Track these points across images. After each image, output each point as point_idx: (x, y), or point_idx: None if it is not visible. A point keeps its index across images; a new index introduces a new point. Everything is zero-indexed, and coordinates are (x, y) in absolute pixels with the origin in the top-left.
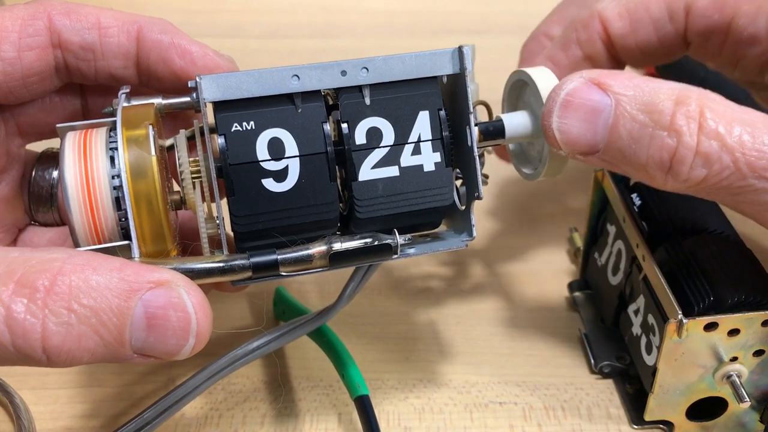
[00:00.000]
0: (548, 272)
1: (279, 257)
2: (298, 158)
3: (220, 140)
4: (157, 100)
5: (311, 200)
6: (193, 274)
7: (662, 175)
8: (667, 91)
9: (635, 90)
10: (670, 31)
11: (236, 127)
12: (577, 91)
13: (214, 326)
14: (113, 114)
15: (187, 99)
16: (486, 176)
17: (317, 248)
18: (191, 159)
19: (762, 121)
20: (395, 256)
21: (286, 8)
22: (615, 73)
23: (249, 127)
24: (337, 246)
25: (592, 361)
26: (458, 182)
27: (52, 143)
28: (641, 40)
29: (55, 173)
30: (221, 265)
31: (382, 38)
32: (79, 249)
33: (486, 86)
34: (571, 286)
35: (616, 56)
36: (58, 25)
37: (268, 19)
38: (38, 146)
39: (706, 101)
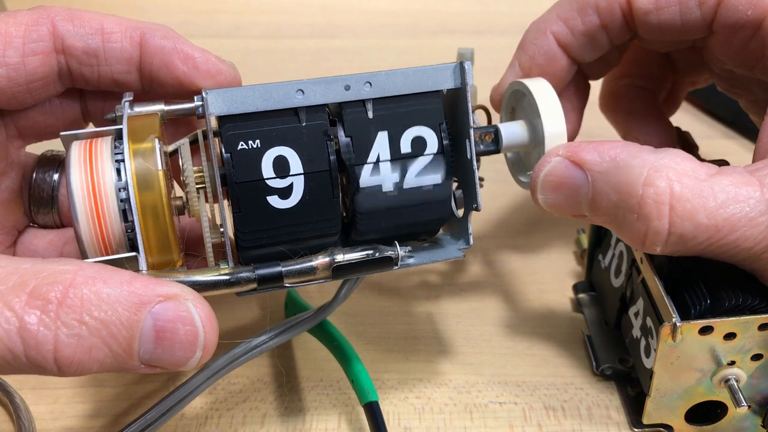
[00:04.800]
0: (554, 273)
1: (283, 269)
2: (302, 176)
3: (226, 157)
4: (160, 107)
5: (315, 216)
6: (199, 287)
7: (640, 247)
8: (639, 169)
9: (609, 166)
10: (697, 17)
11: (242, 145)
12: (555, 170)
13: (218, 331)
14: (116, 121)
15: (190, 105)
16: (482, 179)
17: (320, 260)
18: (195, 168)
19: (735, 184)
20: (396, 267)
21: (286, 8)
22: (592, 146)
23: (255, 146)
24: (340, 258)
25: (594, 363)
26: (455, 185)
27: (51, 144)
28: (664, 20)
29: (55, 176)
30: (227, 278)
31: (382, 38)
32: (88, 260)
33: (486, 86)
34: (576, 288)
35: (633, 30)
36: (61, 30)
37: (268, 19)
38: (36, 147)
39: (675, 177)
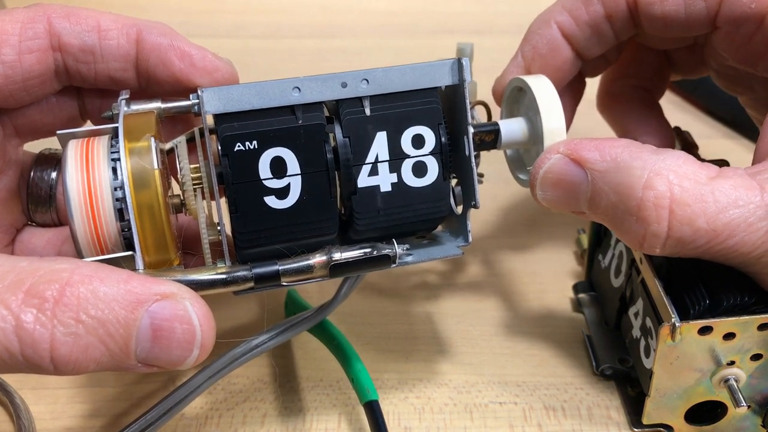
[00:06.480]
0: (554, 273)
1: (280, 268)
2: (299, 176)
3: (223, 158)
4: (157, 105)
5: (312, 216)
6: (196, 286)
7: (638, 248)
8: (640, 171)
9: (610, 165)
10: (701, 9)
11: (239, 146)
12: (555, 167)
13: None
14: (113, 119)
15: (187, 103)
16: (481, 175)
17: (318, 259)
18: (192, 166)
19: (735, 188)
20: (394, 265)
21: (286, 8)
22: (593, 144)
23: (252, 147)
24: (337, 256)
25: (594, 363)
26: (453, 181)
27: (49, 142)
28: (668, 11)
29: (53, 174)
30: (224, 276)
31: (382, 38)
32: (85, 259)
33: (486, 86)
34: (576, 288)
35: (637, 21)
36: (57, 27)
37: (268, 19)
38: (33, 145)
39: (676, 180)
